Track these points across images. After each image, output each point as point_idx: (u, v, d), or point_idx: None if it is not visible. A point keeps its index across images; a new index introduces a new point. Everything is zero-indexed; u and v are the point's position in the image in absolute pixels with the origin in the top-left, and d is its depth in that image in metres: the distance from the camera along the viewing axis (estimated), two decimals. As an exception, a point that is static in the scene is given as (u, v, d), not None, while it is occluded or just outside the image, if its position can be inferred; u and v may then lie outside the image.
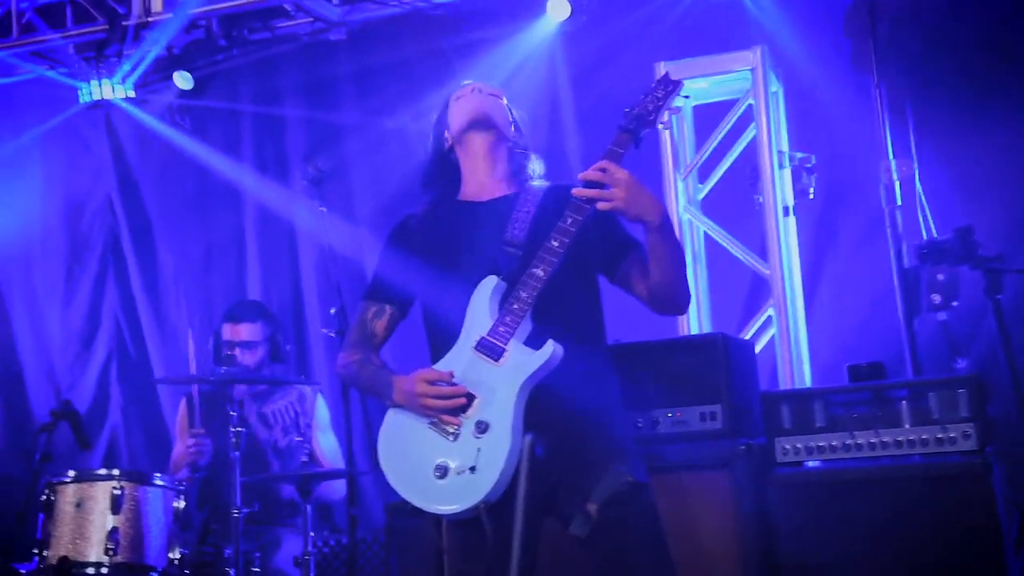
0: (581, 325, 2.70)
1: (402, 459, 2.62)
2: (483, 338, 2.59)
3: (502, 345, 2.56)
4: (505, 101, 2.88)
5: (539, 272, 2.56)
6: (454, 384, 2.57)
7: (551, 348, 2.54)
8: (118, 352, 5.87)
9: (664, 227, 2.59)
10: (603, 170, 2.54)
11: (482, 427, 2.53)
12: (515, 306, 2.57)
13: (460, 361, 2.61)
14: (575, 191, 2.57)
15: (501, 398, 2.53)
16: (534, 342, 2.57)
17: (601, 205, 2.54)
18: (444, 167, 2.88)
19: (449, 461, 2.54)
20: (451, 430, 2.56)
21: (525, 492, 2.28)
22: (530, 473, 2.30)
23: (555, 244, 2.57)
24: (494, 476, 2.48)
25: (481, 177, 2.82)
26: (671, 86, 2.68)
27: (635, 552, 2.53)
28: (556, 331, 2.58)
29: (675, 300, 2.74)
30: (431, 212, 2.84)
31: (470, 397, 2.56)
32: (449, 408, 2.56)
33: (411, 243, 2.82)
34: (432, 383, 2.58)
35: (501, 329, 2.57)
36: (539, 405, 2.55)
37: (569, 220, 2.58)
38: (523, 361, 2.55)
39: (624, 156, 2.59)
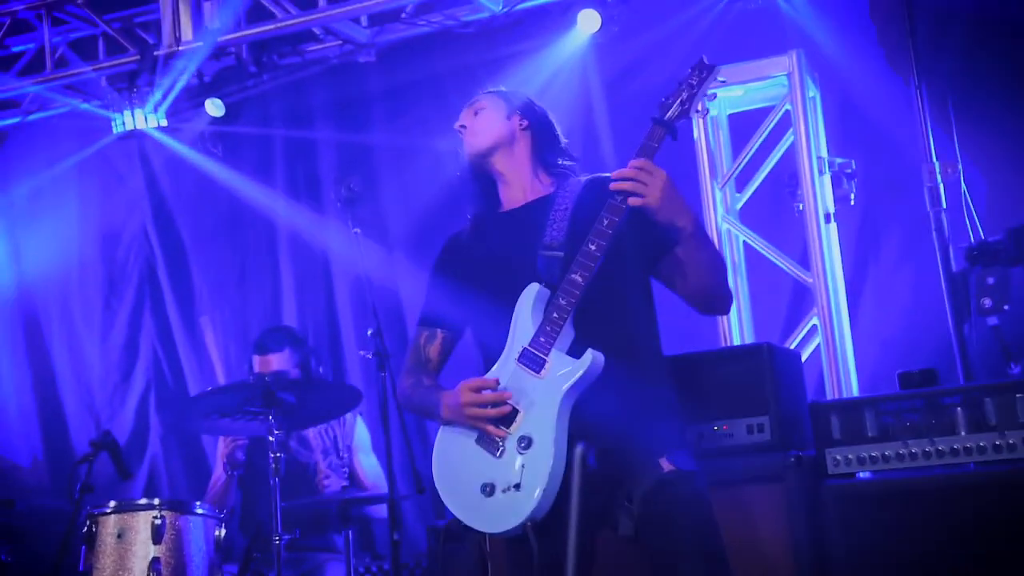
0: (627, 329, 2.61)
1: (452, 477, 2.57)
2: (525, 349, 2.52)
3: (543, 356, 2.49)
4: (489, 101, 2.79)
5: (577, 278, 2.49)
6: (499, 391, 2.51)
7: (590, 357, 2.46)
8: (156, 382, 5.88)
9: (696, 235, 2.54)
10: (640, 168, 2.47)
11: (525, 442, 2.46)
12: (555, 315, 2.50)
13: (504, 374, 2.55)
14: (613, 185, 2.50)
15: (543, 411, 2.46)
16: (577, 350, 2.50)
17: (632, 201, 2.47)
18: (481, 184, 2.81)
19: (495, 478, 2.47)
20: (498, 444, 2.48)
21: (578, 504, 2.19)
22: (583, 485, 2.22)
23: (592, 248, 2.50)
24: (538, 493, 2.40)
25: (514, 184, 2.76)
26: (705, 72, 2.56)
27: (681, 542, 2.45)
28: (600, 338, 2.51)
29: (713, 304, 2.72)
30: (474, 228, 2.80)
31: (514, 411, 2.49)
32: (494, 417, 2.49)
33: (456, 263, 2.78)
34: (477, 391, 2.52)
35: (542, 339, 2.50)
36: (586, 415, 2.47)
37: (605, 222, 2.50)
38: (564, 372, 2.47)
39: (659, 150, 2.51)
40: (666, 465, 2.48)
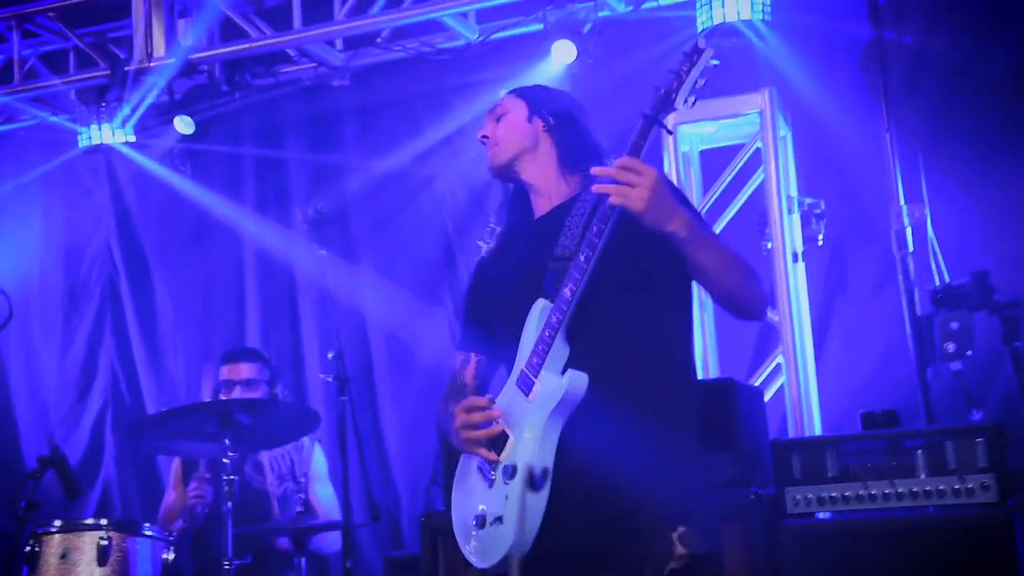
0: (630, 350, 2.34)
1: (459, 507, 2.42)
2: (522, 370, 2.33)
3: (533, 377, 2.31)
4: (510, 104, 2.57)
5: (566, 292, 2.28)
6: (491, 409, 2.33)
7: (568, 378, 2.24)
8: (114, 402, 5.78)
9: (694, 239, 2.26)
10: (624, 167, 2.22)
11: (510, 472, 2.28)
12: (546, 333, 2.30)
13: (505, 398, 2.36)
14: (595, 187, 2.26)
15: (529, 438, 2.28)
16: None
17: (613, 200, 2.22)
18: (512, 194, 2.60)
19: (486, 510, 2.32)
20: (490, 473, 2.33)
21: (518, 526, 2.09)
22: (524, 503, 2.09)
23: (581, 259, 2.27)
24: (517, 526, 2.21)
25: (542, 191, 2.54)
26: (696, 55, 2.28)
27: None
28: (597, 358, 2.29)
29: (741, 309, 2.39)
30: (501, 244, 2.60)
31: (506, 437, 2.32)
32: (483, 439, 2.32)
33: (482, 282, 2.61)
34: (468, 411, 2.36)
35: (534, 360, 2.30)
36: (582, 449, 2.24)
37: (595, 229, 2.27)
38: (547, 394, 2.27)
39: (646, 146, 2.27)
40: (679, 548, 2.22)
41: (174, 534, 3.96)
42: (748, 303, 2.39)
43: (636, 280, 2.36)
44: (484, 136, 2.57)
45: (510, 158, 2.53)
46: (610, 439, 2.26)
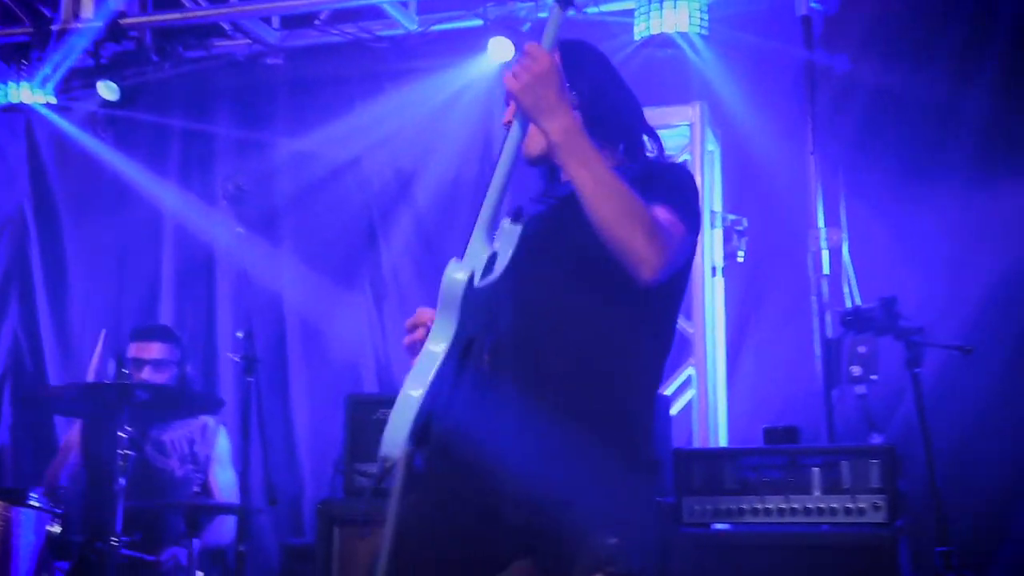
0: (557, 332, 2.17)
1: None
2: None
3: None
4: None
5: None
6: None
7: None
8: (14, 371, 5.59)
9: (565, 148, 2.04)
10: (524, 52, 2.08)
11: None
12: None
13: None
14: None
15: None
16: None
17: (505, 77, 2.11)
18: (539, 172, 2.41)
19: None
20: None
21: (396, 509, 2.04)
22: (405, 486, 2.01)
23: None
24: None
25: None
26: None
27: None
28: (524, 330, 2.18)
29: (619, 252, 2.05)
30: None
31: None
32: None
33: None
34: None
35: None
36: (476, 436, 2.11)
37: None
38: None
39: (555, 34, 2.12)
40: (607, 561, 2.03)
41: (61, 506, 3.84)
42: (626, 246, 2.04)
43: (583, 264, 2.16)
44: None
45: (542, 152, 2.23)
46: (521, 423, 2.10)
